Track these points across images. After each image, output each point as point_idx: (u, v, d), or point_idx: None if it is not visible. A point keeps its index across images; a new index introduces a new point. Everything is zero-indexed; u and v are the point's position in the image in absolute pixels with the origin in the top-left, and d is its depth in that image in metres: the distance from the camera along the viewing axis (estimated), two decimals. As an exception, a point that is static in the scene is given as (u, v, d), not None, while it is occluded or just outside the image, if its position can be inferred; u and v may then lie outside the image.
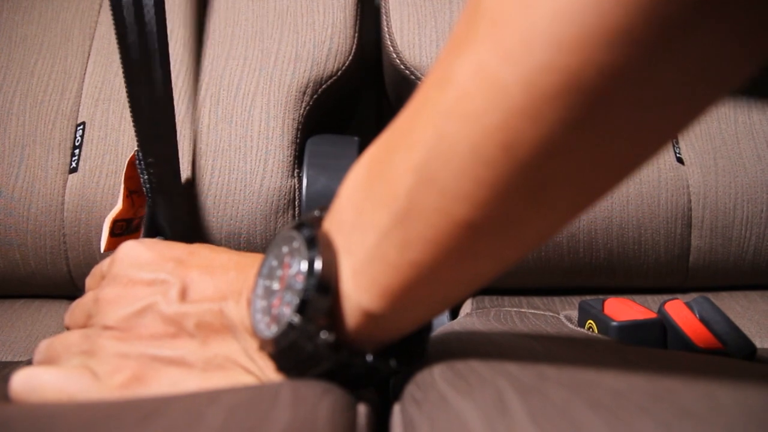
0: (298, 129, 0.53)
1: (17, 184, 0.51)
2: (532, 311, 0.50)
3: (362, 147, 0.53)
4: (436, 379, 0.23)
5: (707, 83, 0.17)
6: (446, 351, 0.26)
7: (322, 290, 0.22)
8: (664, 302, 0.43)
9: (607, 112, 0.17)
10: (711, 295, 0.54)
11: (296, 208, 0.52)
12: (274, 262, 0.24)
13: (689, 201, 0.54)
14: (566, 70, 0.16)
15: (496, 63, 0.17)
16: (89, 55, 0.56)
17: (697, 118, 0.18)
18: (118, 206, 0.46)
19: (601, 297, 0.46)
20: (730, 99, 0.58)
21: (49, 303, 0.54)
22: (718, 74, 0.17)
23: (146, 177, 0.45)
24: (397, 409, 0.25)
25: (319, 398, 0.21)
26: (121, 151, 0.52)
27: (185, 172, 0.51)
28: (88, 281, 0.30)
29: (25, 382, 0.25)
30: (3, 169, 0.52)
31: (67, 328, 0.29)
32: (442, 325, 0.48)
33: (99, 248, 0.49)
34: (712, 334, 0.41)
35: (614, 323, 0.41)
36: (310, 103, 0.54)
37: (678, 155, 0.55)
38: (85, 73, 0.55)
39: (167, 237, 0.48)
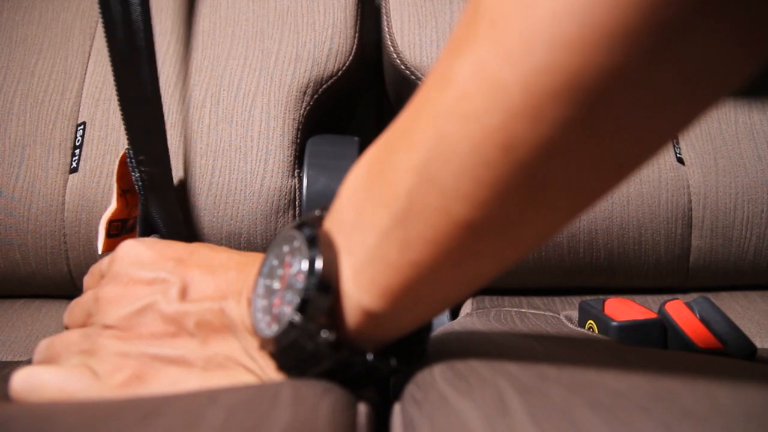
0: (298, 129, 0.53)
1: (18, 184, 0.51)
2: (533, 311, 0.50)
3: (362, 147, 0.53)
4: (436, 379, 0.23)
5: (707, 83, 0.17)
6: (446, 351, 0.26)
7: (323, 289, 0.22)
8: (665, 302, 0.43)
9: (608, 113, 0.17)
10: (711, 295, 0.54)
11: (296, 208, 0.52)
12: (275, 262, 0.24)
13: (690, 201, 0.54)
14: (566, 71, 0.16)
15: (496, 63, 0.17)
16: (90, 55, 0.56)
17: (698, 118, 0.18)
18: (113, 206, 0.46)
19: (601, 297, 0.46)
20: (730, 99, 0.58)
21: (49, 303, 0.54)
22: (719, 74, 0.17)
23: (137, 175, 0.45)
24: (397, 408, 0.25)
25: (319, 398, 0.21)
26: (121, 151, 0.52)
27: (186, 172, 0.51)
28: (87, 280, 0.30)
29: (25, 382, 0.25)
30: (3, 169, 0.52)
31: (66, 328, 0.29)
32: (442, 325, 0.48)
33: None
34: (713, 334, 0.41)
35: (614, 323, 0.41)
36: (311, 103, 0.54)
37: (678, 155, 0.55)
38: (85, 73, 0.55)
39: (162, 235, 0.48)
